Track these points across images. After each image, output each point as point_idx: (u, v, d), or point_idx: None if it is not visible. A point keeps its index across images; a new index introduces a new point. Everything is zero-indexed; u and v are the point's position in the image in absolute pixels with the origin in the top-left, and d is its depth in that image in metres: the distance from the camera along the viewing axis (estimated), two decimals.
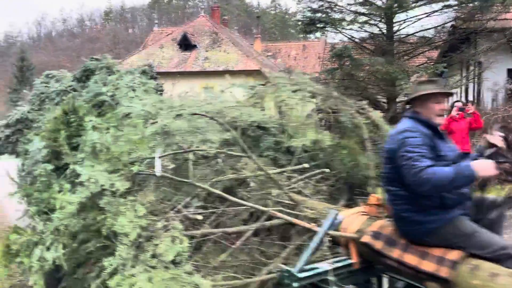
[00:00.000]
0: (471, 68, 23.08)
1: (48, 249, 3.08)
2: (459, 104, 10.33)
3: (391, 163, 2.41)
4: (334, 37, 26.70)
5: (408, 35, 25.73)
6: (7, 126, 6.80)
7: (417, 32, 24.92)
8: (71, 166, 3.92)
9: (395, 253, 2.45)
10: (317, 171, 3.25)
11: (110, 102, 5.00)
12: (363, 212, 2.79)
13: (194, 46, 32.20)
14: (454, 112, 9.80)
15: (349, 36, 26.26)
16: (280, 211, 2.87)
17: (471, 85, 23.74)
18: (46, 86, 6.38)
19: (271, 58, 37.26)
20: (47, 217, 3.43)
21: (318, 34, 28.61)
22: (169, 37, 33.56)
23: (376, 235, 2.56)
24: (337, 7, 25.45)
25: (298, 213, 2.89)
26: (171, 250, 2.62)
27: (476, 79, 22.93)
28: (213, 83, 27.92)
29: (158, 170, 2.95)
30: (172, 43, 32.90)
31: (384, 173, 2.49)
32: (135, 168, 3.01)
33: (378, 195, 2.75)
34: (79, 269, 3.27)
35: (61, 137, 4.25)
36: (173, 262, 2.66)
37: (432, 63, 22.38)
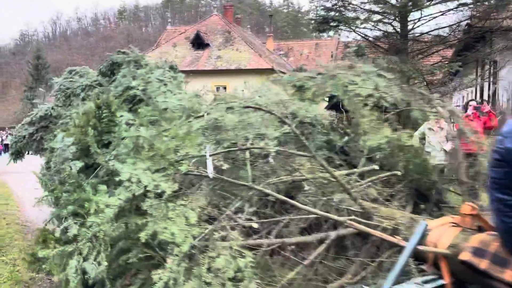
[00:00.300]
0: (486, 67, 22.50)
1: (85, 259, 2.67)
2: (474, 103, 10.02)
3: (506, 166, 1.95)
4: (348, 36, 26.04)
5: (423, 33, 25.13)
6: (31, 123, 6.40)
7: (432, 30, 24.33)
8: (109, 164, 3.50)
9: (508, 274, 2.00)
10: (387, 173, 2.79)
11: (142, 97, 4.58)
12: (453, 223, 2.33)
13: (207, 45, 31.81)
14: (469, 111, 9.46)
15: (363, 35, 25.72)
16: (354, 220, 2.41)
17: (486, 84, 23.19)
18: (71, 81, 5.98)
19: (283, 56, 36.70)
20: (79, 221, 3.00)
21: (331, 32, 28.09)
22: (182, 36, 33.17)
23: (479, 252, 2.10)
24: (350, 5, 24.89)
25: (372, 222, 2.44)
26: (231, 265, 2.19)
27: (491, 78, 22.36)
28: (226, 82, 27.52)
29: (210, 171, 2.52)
30: (185, 41, 32.52)
31: (494, 178, 2.03)
32: (183, 168, 2.58)
33: (472, 203, 2.28)
34: (117, 281, 2.85)
35: (92, 133, 3.83)
36: (233, 278, 2.24)
37: (446, 62, 21.82)
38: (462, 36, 22.53)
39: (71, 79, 6.14)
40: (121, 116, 4.42)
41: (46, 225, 5.07)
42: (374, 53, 23.37)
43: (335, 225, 2.76)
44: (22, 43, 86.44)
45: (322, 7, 25.84)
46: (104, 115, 4.37)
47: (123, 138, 3.65)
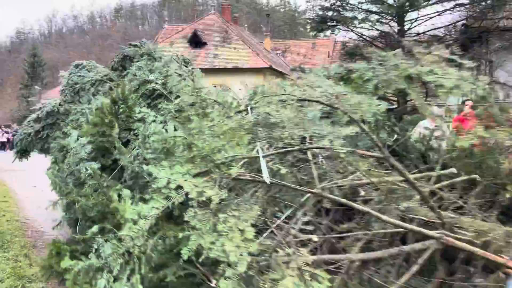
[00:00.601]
0: (482, 67, 22.33)
1: (116, 278, 2.21)
2: (471, 102, 9.72)
3: None
4: (345, 35, 25.79)
5: (419, 33, 24.94)
6: (37, 120, 5.88)
7: (428, 30, 24.18)
8: (134, 165, 3.04)
9: None
10: (463, 177, 2.37)
11: (162, 91, 4.12)
12: None
13: (204, 44, 31.29)
14: (466, 110, 9.16)
15: (360, 34, 25.44)
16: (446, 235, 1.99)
17: None
18: (79, 76, 5.49)
19: (280, 55, 36.22)
20: (110, 237, 2.52)
21: (328, 32, 27.75)
22: (180, 34, 32.60)
23: None
24: (349, 5, 24.60)
25: (460, 236, 2.02)
26: None
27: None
28: (223, 81, 27.02)
29: (266, 175, 2.08)
30: (183, 40, 31.96)
31: None
32: (232, 171, 2.13)
33: None
34: None
35: (113, 131, 3.36)
36: None
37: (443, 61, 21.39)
38: (459, 36, 22.38)
39: (79, 74, 5.64)
40: (140, 112, 3.96)
41: (53, 228, 4.64)
42: (370, 52, 23.00)
43: (404, 238, 2.34)
44: (18, 40, 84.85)
45: (320, 7, 25.45)
46: (121, 110, 3.89)
47: (147, 137, 3.19)
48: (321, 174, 2.67)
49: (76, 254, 3.40)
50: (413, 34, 24.69)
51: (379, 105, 2.37)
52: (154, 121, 3.48)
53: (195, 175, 2.39)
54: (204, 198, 2.23)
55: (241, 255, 1.97)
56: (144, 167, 2.40)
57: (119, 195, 3.22)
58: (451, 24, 23.77)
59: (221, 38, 32.06)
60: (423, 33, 24.35)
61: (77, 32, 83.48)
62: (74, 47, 68.70)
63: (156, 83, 4.24)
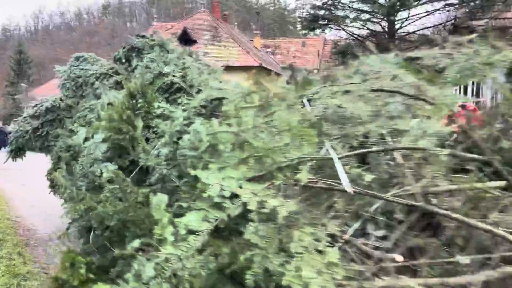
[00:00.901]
0: None
1: None
2: (459, 102, 9.57)
3: None
4: (336, 34, 25.63)
5: (409, 33, 24.87)
6: (35, 116, 5.31)
7: (418, 30, 24.15)
8: (162, 168, 2.58)
9: None
10: None
11: (182, 85, 3.66)
12: None
13: (194, 41, 30.66)
14: (455, 109, 8.95)
15: (351, 33, 25.27)
16: None
17: (470, 82, 22.99)
18: (82, 69, 4.98)
19: (270, 54, 35.74)
20: (155, 258, 2.05)
21: (318, 31, 27.49)
22: (169, 32, 31.87)
23: None
24: (340, 4, 24.35)
25: None
26: None
27: None
28: None
29: (347, 183, 1.66)
30: (172, 38, 31.23)
31: None
32: (302, 177, 1.70)
33: None
34: None
35: (137, 127, 2.90)
36: None
37: None
38: (448, 35, 22.28)
39: (81, 67, 5.13)
40: (159, 107, 3.50)
41: (59, 237, 4.20)
42: (362, 52, 23.02)
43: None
44: (4, 37, 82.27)
45: (311, 6, 25.14)
46: (139, 105, 3.42)
47: (179, 137, 2.73)
48: (387, 178, 2.26)
49: (92, 267, 2.94)
50: (404, 34, 24.63)
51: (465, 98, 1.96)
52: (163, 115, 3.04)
53: (250, 181, 1.96)
54: (267, 210, 1.79)
55: (326, 280, 1.55)
56: (191, 170, 1.95)
57: (144, 202, 2.77)
58: (440, 24, 23.76)
59: (211, 36, 31.50)
60: (413, 32, 24.32)
61: (64, 28, 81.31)
62: (61, 44, 66.90)
63: (174, 76, 3.78)
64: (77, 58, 5.64)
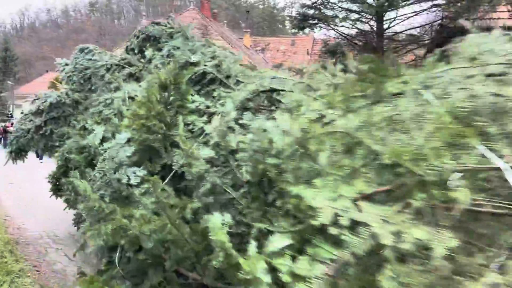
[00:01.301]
0: None
1: None
2: None
3: None
4: (326, 33, 25.29)
5: (397, 33, 24.67)
6: (37, 113, 4.60)
7: (406, 30, 23.95)
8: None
9: None
10: None
11: (216, 75, 3.07)
12: None
13: None
14: None
15: (340, 33, 24.97)
16: None
17: None
18: (90, 60, 4.31)
19: (260, 52, 34.97)
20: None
21: (307, 30, 27.07)
22: None
23: None
24: (329, 3, 23.98)
25: None
26: None
27: None
28: None
29: None
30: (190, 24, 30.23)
31: None
32: (463, 197, 1.14)
33: None
34: None
35: (180, 123, 2.29)
36: None
37: (420, 61, 21.37)
38: (435, 35, 22.25)
39: (89, 58, 4.45)
40: (193, 101, 2.89)
41: (74, 255, 3.72)
42: (351, 51, 22.77)
43: None
44: None
45: (301, 5, 24.67)
46: (171, 99, 2.80)
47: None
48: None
49: None
50: (391, 33, 24.44)
51: None
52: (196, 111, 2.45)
53: (368, 199, 1.38)
54: (408, 246, 1.22)
55: None
56: (293, 189, 1.37)
57: (189, 218, 2.15)
58: (427, 24, 23.62)
59: (200, 34, 30.67)
60: (401, 32, 24.13)
61: (50, 26, 78.52)
62: (48, 42, 64.63)
63: (205, 65, 3.17)
64: (82, 50, 4.98)
